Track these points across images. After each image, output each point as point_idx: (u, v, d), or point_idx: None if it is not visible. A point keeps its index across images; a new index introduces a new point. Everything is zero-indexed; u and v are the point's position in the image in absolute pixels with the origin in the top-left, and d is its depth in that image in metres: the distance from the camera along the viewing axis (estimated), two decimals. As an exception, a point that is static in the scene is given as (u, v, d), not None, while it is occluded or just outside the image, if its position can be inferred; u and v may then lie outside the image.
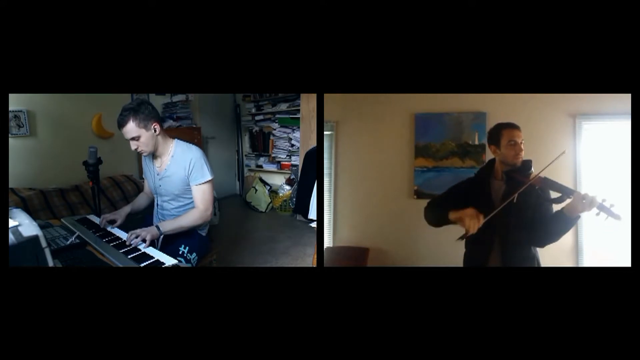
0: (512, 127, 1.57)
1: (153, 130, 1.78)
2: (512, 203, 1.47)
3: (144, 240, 1.66)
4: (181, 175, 1.86)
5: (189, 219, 1.85)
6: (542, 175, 1.50)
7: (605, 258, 2.30)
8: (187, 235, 1.96)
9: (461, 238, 1.44)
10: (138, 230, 1.69)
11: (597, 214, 1.38)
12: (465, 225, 1.39)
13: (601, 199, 1.38)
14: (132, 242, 1.64)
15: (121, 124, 1.73)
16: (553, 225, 1.48)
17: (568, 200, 1.46)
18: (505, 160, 1.57)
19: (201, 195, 1.87)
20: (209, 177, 1.87)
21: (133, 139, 1.75)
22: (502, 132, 1.57)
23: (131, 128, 1.72)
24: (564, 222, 1.44)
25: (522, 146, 1.56)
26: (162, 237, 1.91)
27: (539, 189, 1.49)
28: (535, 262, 1.58)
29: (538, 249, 1.59)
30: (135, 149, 1.79)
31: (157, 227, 1.74)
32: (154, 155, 1.92)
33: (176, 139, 1.93)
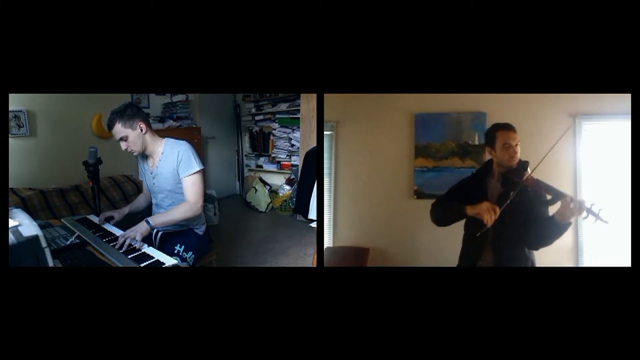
0: (507, 128, 1.55)
1: (139, 130, 1.85)
2: (508, 203, 1.46)
3: (136, 240, 1.66)
4: (171, 169, 1.88)
5: (179, 212, 1.85)
6: (535, 177, 1.49)
7: (605, 258, 2.30)
8: (182, 234, 1.97)
9: (481, 233, 1.46)
10: (127, 232, 1.69)
11: (585, 217, 1.38)
12: (483, 219, 1.41)
13: (590, 204, 1.37)
14: (123, 246, 1.61)
15: (110, 126, 1.83)
16: (546, 230, 1.47)
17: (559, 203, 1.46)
18: (500, 162, 1.56)
19: (191, 187, 1.87)
20: (197, 168, 1.88)
21: (122, 139, 1.84)
22: (496, 135, 1.55)
23: (118, 129, 1.81)
24: (556, 228, 1.43)
25: (517, 148, 1.53)
26: (159, 236, 1.91)
27: (530, 190, 1.49)
28: (529, 263, 1.57)
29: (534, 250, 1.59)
30: (126, 149, 1.87)
31: (147, 221, 1.74)
32: (146, 155, 1.97)
33: (166, 138, 1.97)
